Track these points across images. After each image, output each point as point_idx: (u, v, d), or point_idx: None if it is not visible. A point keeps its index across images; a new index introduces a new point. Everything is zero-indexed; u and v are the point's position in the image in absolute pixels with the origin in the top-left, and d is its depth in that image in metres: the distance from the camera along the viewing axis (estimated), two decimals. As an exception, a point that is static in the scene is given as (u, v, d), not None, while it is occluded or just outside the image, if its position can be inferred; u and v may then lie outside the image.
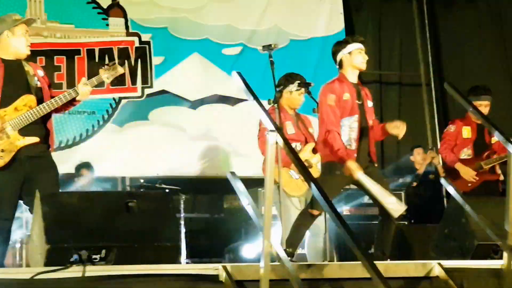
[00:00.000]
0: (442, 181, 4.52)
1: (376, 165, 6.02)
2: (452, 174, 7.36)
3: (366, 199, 8.18)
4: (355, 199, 8.13)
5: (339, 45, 6.00)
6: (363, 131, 5.87)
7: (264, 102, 6.39)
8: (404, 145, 10.70)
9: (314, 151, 6.55)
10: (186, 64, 10.16)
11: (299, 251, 6.56)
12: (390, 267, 4.33)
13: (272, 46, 6.41)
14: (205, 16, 10.41)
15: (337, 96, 5.84)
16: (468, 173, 7.29)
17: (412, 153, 10.08)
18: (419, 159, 9.98)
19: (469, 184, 7.29)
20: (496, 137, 4.31)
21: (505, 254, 4.29)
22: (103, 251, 4.18)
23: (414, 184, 9.26)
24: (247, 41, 10.43)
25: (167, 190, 8.16)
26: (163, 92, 10.00)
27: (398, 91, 11.77)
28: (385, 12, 11.89)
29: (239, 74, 4.05)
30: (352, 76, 5.95)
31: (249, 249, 7.45)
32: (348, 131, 5.82)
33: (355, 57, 5.92)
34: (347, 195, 8.14)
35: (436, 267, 4.35)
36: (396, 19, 11.93)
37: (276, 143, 3.71)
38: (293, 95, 6.64)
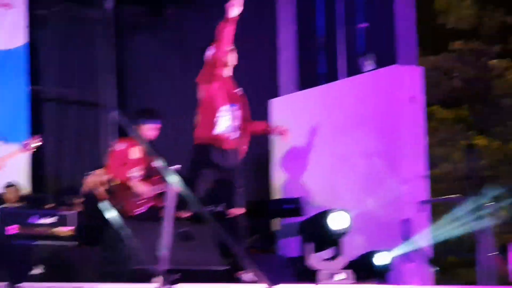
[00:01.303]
0: (101, 205, 4.57)
1: None
2: (120, 196, 7.27)
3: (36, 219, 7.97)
4: (24, 218, 7.88)
5: None
6: None
7: None
8: (82, 166, 10.71)
9: None
10: None
11: None
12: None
13: None
14: None
15: None
16: (145, 189, 7.17)
17: (90, 174, 9.59)
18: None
19: (137, 209, 7.23)
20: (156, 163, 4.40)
21: (158, 278, 4.43)
22: None
23: (75, 208, 9.10)
24: None
25: None
26: None
27: (78, 110, 11.69)
28: (71, 31, 11.80)
29: None
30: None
31: None
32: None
33: None
34: (16, 214, 7.88)
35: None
36: (82, 38, 11.86)
37: None
38: None
